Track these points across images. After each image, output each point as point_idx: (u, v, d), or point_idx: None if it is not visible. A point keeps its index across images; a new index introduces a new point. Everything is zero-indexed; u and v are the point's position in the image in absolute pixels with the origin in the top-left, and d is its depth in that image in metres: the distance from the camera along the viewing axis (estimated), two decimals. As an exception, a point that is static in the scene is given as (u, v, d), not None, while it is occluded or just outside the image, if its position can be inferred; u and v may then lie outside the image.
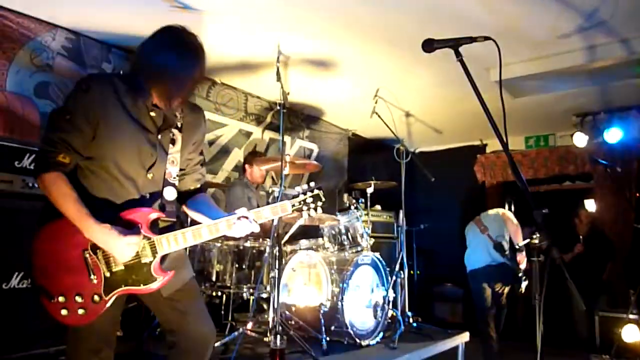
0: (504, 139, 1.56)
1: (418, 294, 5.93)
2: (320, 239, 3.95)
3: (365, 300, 3.59)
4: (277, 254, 3.15)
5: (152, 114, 1.76)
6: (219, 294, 3.69)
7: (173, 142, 1.84)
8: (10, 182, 2.68)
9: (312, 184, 1.90)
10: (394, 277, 3.88)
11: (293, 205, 1.87)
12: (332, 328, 3.33)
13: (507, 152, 1.58)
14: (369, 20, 3.61)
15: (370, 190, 4.70)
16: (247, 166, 4.50)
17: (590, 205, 6.17)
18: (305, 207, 1.89)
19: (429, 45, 1.75)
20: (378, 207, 5.66)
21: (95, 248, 1.65)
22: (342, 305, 3.31)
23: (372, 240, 3.97)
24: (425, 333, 3.94)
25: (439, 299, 6.46)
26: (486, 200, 6.75)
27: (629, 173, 5.45)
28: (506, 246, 4.76)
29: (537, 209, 1.42)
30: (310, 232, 4.11)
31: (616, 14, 3.40)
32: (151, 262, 1.71)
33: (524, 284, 4.75)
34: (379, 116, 4.57)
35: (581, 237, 5.48)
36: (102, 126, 1.66)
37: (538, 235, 1.75)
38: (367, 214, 4.26)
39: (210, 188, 4.68)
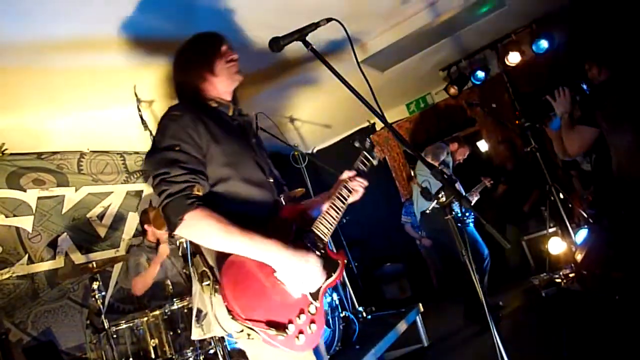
0: (380, 112, 1.53)
1: (364, 285, 5.91)
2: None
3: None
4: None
5: None
6: (164, 368, 3.37)
7: None
8: None
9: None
10: (332, 280, 3.79)
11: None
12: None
13: (384, 122, 1.54)
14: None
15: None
16: (146, 226, 4.06)
17: (483, 145, 6.57)
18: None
19: (276, 44, 1.66)
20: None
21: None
22: (292, 329, 3.15)
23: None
24: (383, 321, 3.92)
25: (384, 282, 6.50)
26: (392, 174, 6.95)
27: (503, 105, 5.85)
28: (434, 188, 4.88)
29: (433, 169, 1.40)
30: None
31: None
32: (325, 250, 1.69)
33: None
34: (262, 130, 4.48)
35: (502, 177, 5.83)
36: None
37: (443, 193, 1.73)
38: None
39: (115, 263, 4.27)
